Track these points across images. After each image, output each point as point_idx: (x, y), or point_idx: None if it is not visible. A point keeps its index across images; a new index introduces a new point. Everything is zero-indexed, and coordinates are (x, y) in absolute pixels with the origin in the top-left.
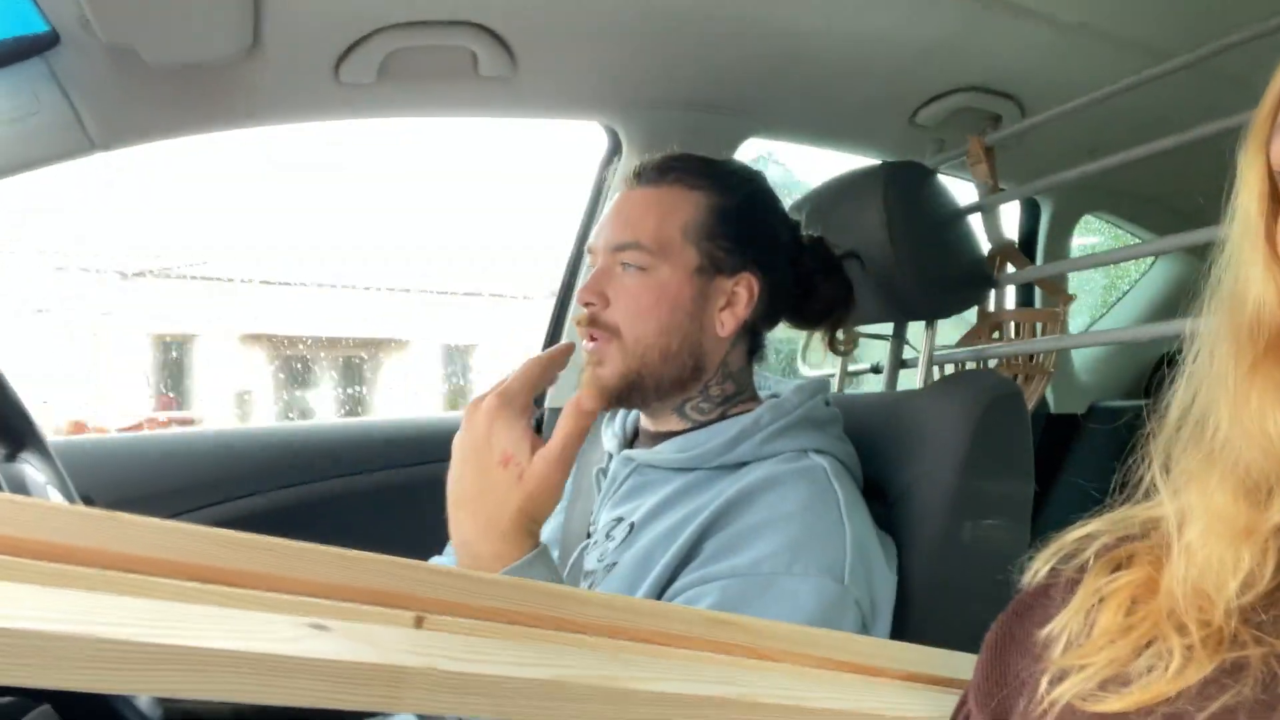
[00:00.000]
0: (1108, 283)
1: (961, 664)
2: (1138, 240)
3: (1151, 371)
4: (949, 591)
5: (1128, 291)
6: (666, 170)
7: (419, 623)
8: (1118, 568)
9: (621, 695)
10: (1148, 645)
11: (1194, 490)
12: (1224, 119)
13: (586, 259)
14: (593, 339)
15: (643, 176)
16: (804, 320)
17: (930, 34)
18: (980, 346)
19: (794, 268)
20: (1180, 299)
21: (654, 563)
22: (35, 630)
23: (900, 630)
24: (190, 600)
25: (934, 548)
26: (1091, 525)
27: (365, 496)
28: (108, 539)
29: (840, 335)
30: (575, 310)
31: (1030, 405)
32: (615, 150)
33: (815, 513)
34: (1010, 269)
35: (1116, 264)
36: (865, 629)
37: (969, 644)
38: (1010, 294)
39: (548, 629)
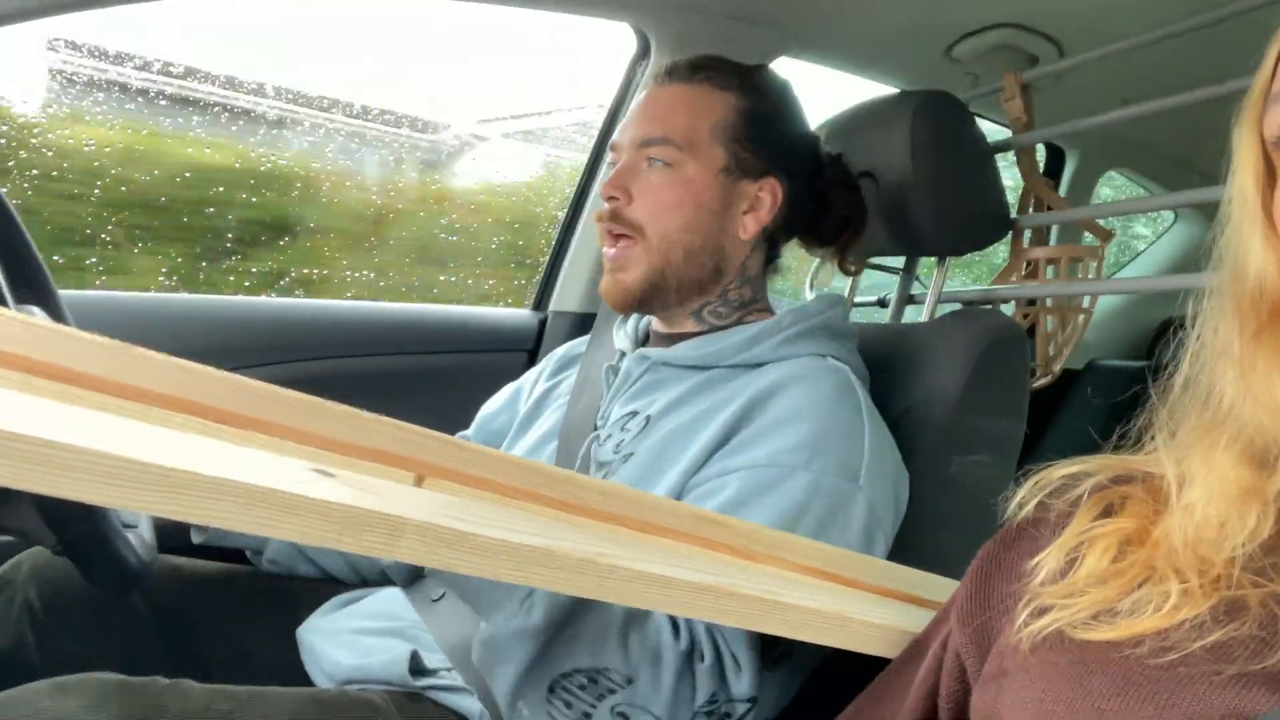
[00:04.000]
0: (1119, 244)
1: (932, 585)
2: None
3: (1154, 335)
4: (933, 520)
5: (1143, 250)
6: (699, 69)
7: (419, 481)
8: (1108, 510)
9: (606, 570)
10: (1139, 586)
11: (1196, 456)
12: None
13: (607, 158)
14: (614, 241)
15: (674, 74)
16: (817, 237)
17: None
18: (991, 287)
19: (812, 181)
20: (1198, 259)
21: (676, 452)
22: (52, 440)
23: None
24: (203, 435)
25: (923, 476)
26: (1083, 464)
27: (357, 379)
28: (125, 371)
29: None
30: (594, 207)
31: (1070, 346)
32: (644, 53)
33: (838, 411)
34: (1033, 212)
35: (1132, 220)
36: (870, 533)
37: (941, 569)
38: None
39: (545, 507)
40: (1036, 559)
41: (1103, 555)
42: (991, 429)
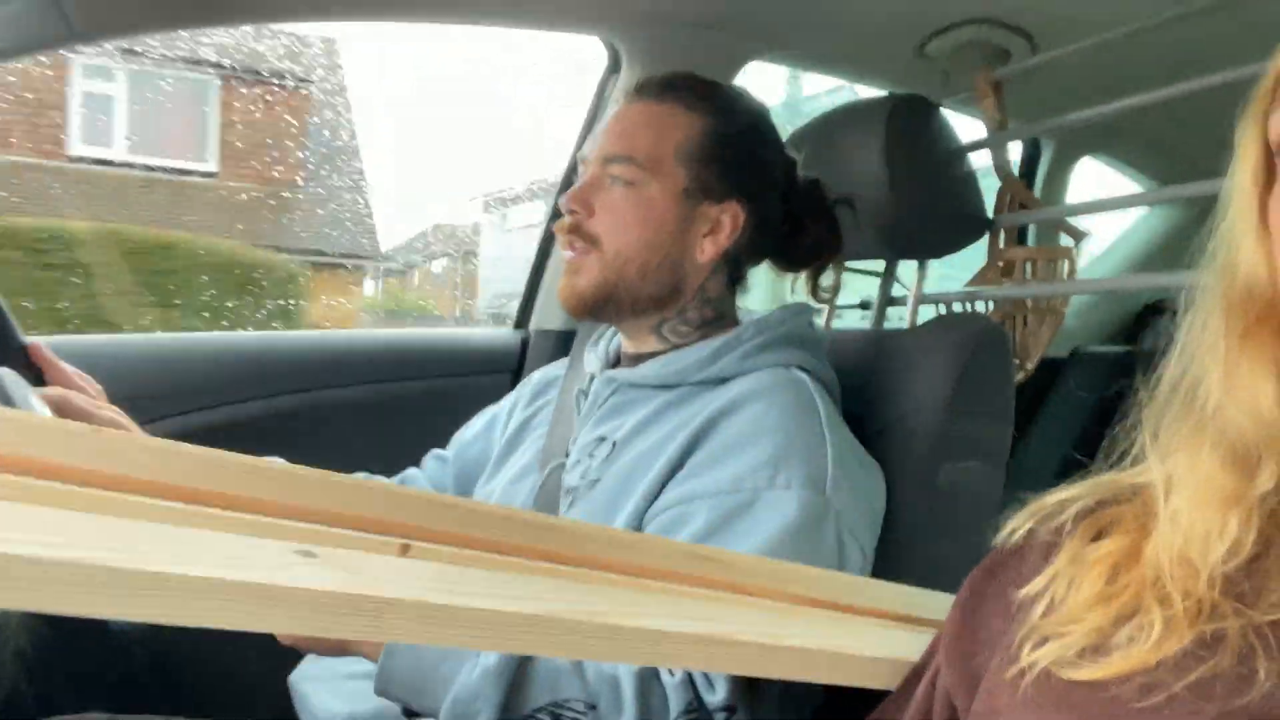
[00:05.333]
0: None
1: (930, 603)
2: (1135, 183)
3: (1137, 320)
4: (924, 530)
5: (1119, 239)
6: (669, 87)
7: (404, 550)
8: (1099, 534)
9: (609, 631)
10: (1130, 615)
11: (1182, 457)
12: (1237, 68)
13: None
14: (572, 249)
15: (644, 91)
16: (788, 261)
17: None
18: (971, 289)
19: (784, 205)
20: (1175, 247)
21: (639, 478)
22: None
23: (877, 565)
24: (177, 522)
25: (912, 486)
26: (1072, 489)
27: (337, 411)
28: (91, 456)
29: (824, 282)
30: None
31: (1044, 345)
32: (615, 67)
33: (798, 424)
34: (1010, 210)
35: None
36: (842, 544)
37: (940, 582)
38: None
39: (533, 559)
40: (1024, 590)
41: (1098, 579)
42: (980, 435)
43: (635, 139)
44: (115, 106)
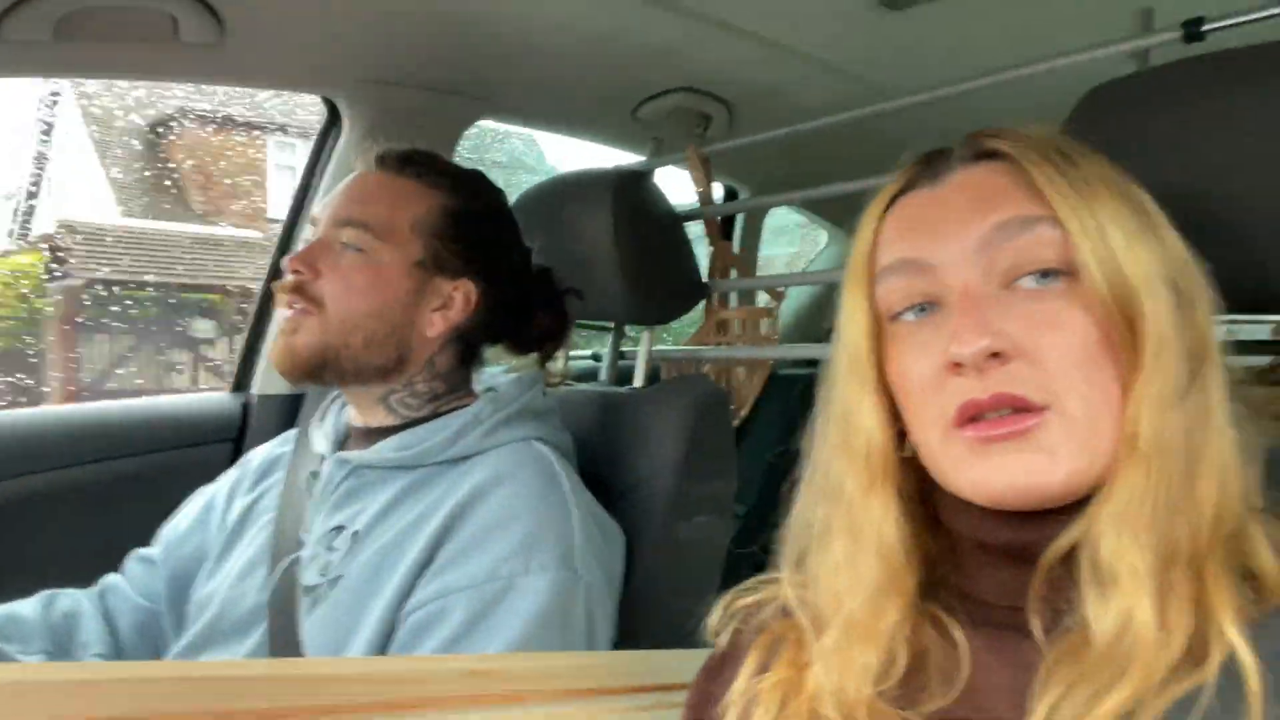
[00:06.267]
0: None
1: (686, 665)
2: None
3: (828, 335)
4: (663, 587)
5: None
6: (410, 163)
7: None
8: (771, 650)
9: None
10: None
11: (824, 596)
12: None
13: (305, 230)
14: (292, 308)
15: (384, 163)
16: (518, 345)
17: (652, 38)
18: (694, 348)
19: (518, 290)
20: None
21: (388, 572)
22: None
23: (624, 627)
24: None
25: (652, 546)
26: (761, 593)
27: (23, 504)
28: None
29: (556, 363)
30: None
31: (755, 392)
32: (334, 122)
33: (545, 504)
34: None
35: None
36: (592, 616)
37: (678, 634)
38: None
39: (307, 718)
40: (719, 708)
41: (766, 712)
42: (708, 491)
43: (372, 207)
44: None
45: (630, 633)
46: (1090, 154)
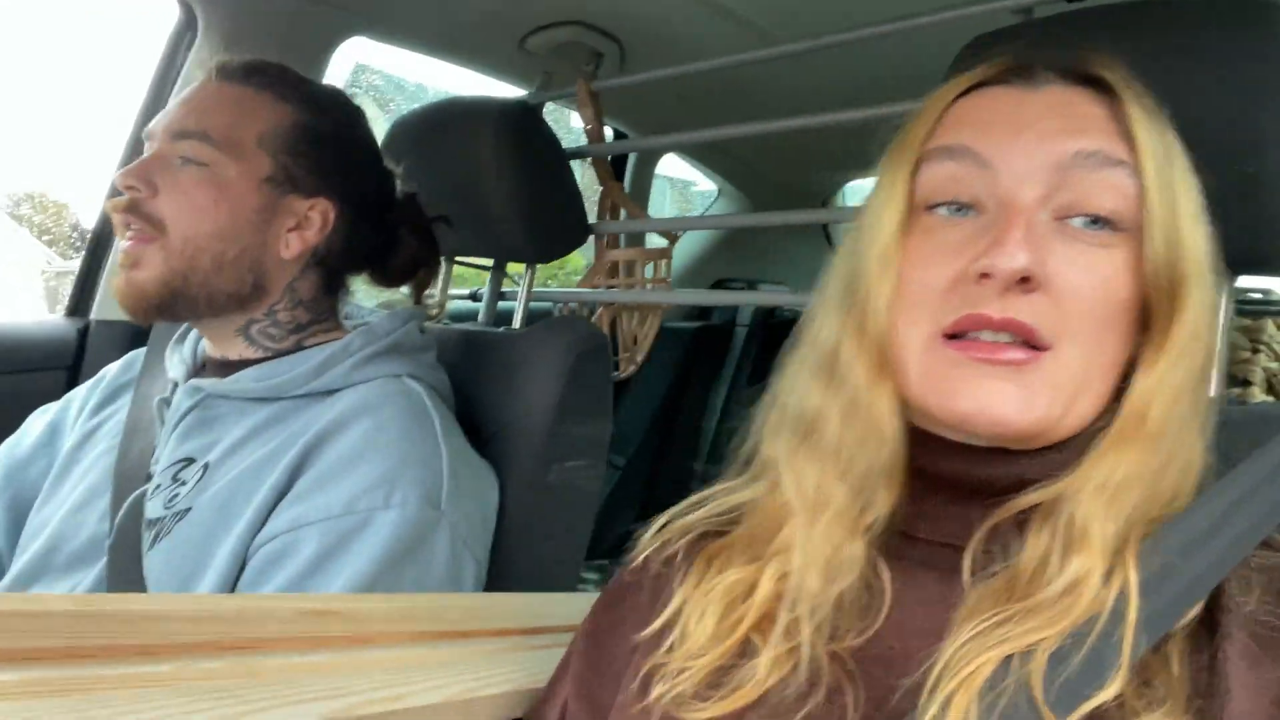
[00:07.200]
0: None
1: (551, 608)
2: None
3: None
4: (534, 529)
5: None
6: (256, 72)
7: None
8: (716, 563)
9: None
10: (743, 646)
11: (809, 486)
12: (826, 113)
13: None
14: (130, 237)
15: (226, 74)
16: (385, 276)
17: None
18: (576, 289)
19: (381, 215)
20: (736, 237)
21: (239, 505)
22: None
23: (490, 570)
24: None
25: (523, 488)
26: (694, 514)
27: None
28: None
29: (432, 295)
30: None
31: (650, 338)
32: (187, 28)
33: (411, 440)
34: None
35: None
36: (457, 556)
37: (551, 579)
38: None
39: (122, 660)
40: (646, 631)
41: (714, 614)
42: (583, 434)
43: (213, 117)
44: None
45: (496, 576)
46: (1169, 122)
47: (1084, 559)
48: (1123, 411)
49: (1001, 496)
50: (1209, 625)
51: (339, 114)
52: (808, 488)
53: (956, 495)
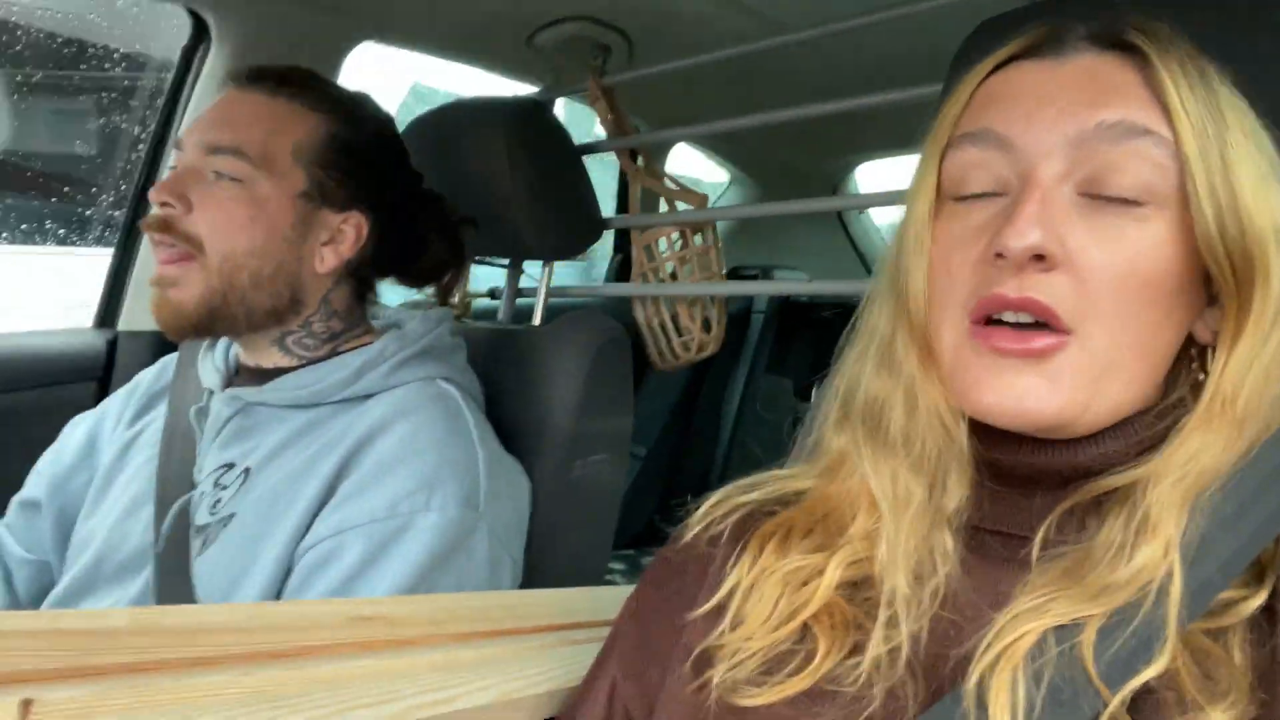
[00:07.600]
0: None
1: (585, 603)
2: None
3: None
4: (562, 525)
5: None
6: (287, 82)
7: (26, 709)
8: (764, 543)
9: None
10: (801, 633)
11: (884, 477)
12: (837, 99)
13: (169, 156)
14: (167, 257)
15: (259, 81)
16: (413, 279)
17: None
18: (595, 284)
19: (410, 221)
20: (749, 229)
21: (284, 510)
22: None
23: (524, 566)
24: None
25: (550, 484)
26: (748, 495)
27: None
28: None
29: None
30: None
31: (715, 341)
32: (200, 38)
33: (449, 442)
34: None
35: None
36: (495, 556)
37: (581, 573)
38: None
39: (180, 672)
40: (696, 612)
41: (773, 599)
42: (606, 428)
43: (246, 131)
44: None
45: (527, 571)
46: (1227, 83)
47: (1153, 548)
48: (1207, 393)
49: (1069, 485)
50: (1271, 615)
51: (369, 121)
52: (886, 482)
53: (1020, 484)
